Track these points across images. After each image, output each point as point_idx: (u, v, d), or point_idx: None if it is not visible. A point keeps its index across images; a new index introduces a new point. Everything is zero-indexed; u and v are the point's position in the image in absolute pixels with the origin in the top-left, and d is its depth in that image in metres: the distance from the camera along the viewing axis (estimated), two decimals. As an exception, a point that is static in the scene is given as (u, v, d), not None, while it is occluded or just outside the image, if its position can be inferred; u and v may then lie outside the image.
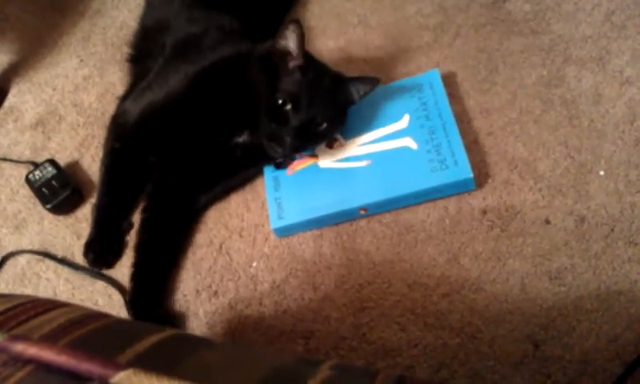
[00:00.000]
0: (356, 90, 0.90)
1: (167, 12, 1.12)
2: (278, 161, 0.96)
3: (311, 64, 0.88)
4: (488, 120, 0.95)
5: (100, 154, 1.07)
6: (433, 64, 1.05)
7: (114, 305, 0.93)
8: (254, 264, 0.92)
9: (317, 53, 0.94)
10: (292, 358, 0.48)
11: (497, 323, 0.77)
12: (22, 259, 1.01)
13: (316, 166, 0.95)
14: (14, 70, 1.32)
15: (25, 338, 0.38)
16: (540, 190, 0.86)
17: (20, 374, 0.36)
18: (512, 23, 1.06)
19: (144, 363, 0.36)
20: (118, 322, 0.50)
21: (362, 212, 0.90)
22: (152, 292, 0.92)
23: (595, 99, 0.92)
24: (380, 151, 0.92)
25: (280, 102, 0.84)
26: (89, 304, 0.94)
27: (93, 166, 1.09)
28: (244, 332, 0.86)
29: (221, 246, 0.95)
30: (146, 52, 1.13)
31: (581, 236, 0.81)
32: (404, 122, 0.94)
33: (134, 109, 0.99)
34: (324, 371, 0.42)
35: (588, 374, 0.71)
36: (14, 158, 1.15)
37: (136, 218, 1.00)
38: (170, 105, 0.94)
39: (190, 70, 0.95)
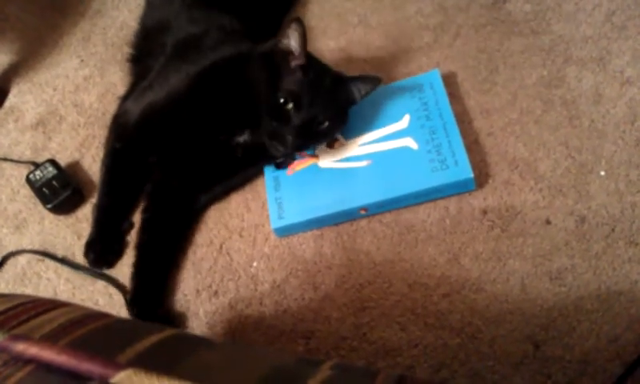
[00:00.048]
0: (357, 90, 0.90)
1: (168, 12, 1.13)
2: (278, 161, 0.96)
3: (312, 63, 0.88)
4: (488, 120, 0.95)
5: (101, 154, 1.07)
6: (433, 64, 1.05)
7: (114, 304, 0.93)
8: (255, 264, 0.92)
9: (317, 53, 0.94)
10: (292, 358, 0.48)
11: (497, 323, 0.77)
12: (22, 259, 1.01)
13: (316, 165, 0.95)
14: (15, 71, 1.32)
15: (25, 337, 0.38)
16: (540, 190, 0.86)
17: (20, 374, 0.36)
18: (512, 23, 1.06)
19: (144, 363, 0.36)
20: (119, 321, 0.50)
21: (363, 212, 0.90)
22: (153, 291, 0.92)
23: (596, 99, 0.92)
24: (380, 151, 0.92)
25: (282, 100, 0.84)
26: (89, 304, 0.94)
27: (93, 166, 1.10)
28: (244, 332, 0.86)
29: (221, 246, 0.95)
30: (146, 52, 1.13)
31: (581, 236, 0.81)
32: (404, 122, 0.94)
33: (135, 109, 0.99)
34: (324, 371, 0.42)
35: (588, 374, 0.71)
36: (15, 158, 1.15)
37: (137, 217, 1.00)
38: (170, 105, 0.94)
39: (190, 70, 0.95)
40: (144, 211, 0.98)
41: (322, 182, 0.93)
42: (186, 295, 0.92)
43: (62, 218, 1.04)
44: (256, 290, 0.89)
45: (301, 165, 0.96)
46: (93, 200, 1.04)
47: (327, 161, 0.95)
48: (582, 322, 0.75)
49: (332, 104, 0.88)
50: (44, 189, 1.03)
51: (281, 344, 0.83)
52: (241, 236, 0.95)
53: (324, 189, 0.92)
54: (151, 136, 0.97)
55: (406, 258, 0.86)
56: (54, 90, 1.25)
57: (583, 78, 0.95)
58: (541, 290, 0.78)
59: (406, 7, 1.16)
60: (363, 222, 0.91)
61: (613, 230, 0.80)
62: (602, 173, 0.85)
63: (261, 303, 0.88)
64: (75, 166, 1.11)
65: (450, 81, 1.00)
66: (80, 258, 0.98)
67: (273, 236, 0.94)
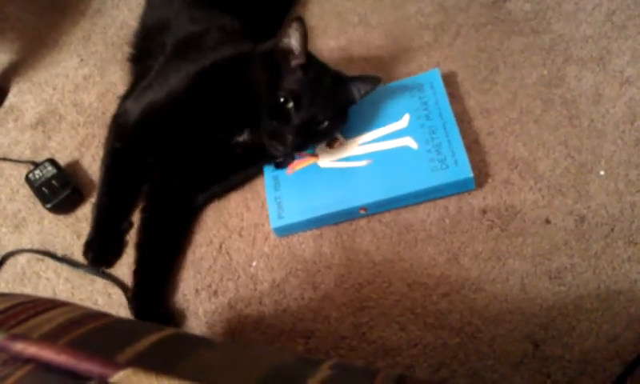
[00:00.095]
0: (357, 90, 0.90)
1: (168, 11, 1.12)
2: (278, 160, 0.96)
3: (313, 63, 0.88)
4: (488, 120, 0.95)
5: (100, 153, 1.07)
6: (433, 63, 1.05)
7: (113, 304, 0.93)
8: (254, 263, 0.92)
9: (317, 52, 0.94)
10: (292, 358, 0.48)
11: (496, 323, 0.77)
12: (21, 258, 1.01)
13: (316, 165, 0.95)
14: (14, 70, 1.32)
15: (24, 337, 0.38)
16: (540, 189, 0.86)
17: (19, 373, 0.36)
18: (512, 23, 1.06)
19: (143, 362, 0.36)
20: (118, 321, 0.50)
21: (362, 211, 0.90)
22: (153, 290, 0.92)
23: (595, 99, 0.92)
24: (380, 151, 0.92)
25: (282, 100, 0.84)
26: (88, 303, 0.94)
27: (93, 165, 1.10)
28: (244, 331, 0.86)
29: (220, 246, 0.95)
30: (146, 51, 1.13)
31: (581, 236, 0.81)
32: (404, 121, 0.94)
33: (135, 108, 0.99)
34: (324, 370, 0.42)
35: (588, 373, 0.71)
36: (14, 157, 1.15)
37: (136, 217, 1.00)
38: (171, 104, 0.94)
39: (191, 70, 0.95)
40: (142, 210, 0.98)
41: (322, 181, 0.93)
42: (185, 295, 0.92)
43: (61, 217, 1.04)
44: (255, 289, 0.89)
45: (300, 164, 0.96)
46: (92, 199, 1.04)
47: (327, 160, 0.95)
48: (582, 321, 0.75)
49: (332, 104, 0.88)
50: (43, 188, 1.03)
51: (280, 343, 0.83)
52: (240, 235, 0.95)
53: (324, 188, 0.92)
54: (151, 136, 0.97)
55: (406, 258, 0.86)
56: (54, 89, 1.25)
57: (583, 78, 0.95)
58: (540, 289, 0.78)
59: (406, 7, 1.16)
60: (363, 222, 0.91)
61: (612, 229, 0.80)
62: (602, 172, 0.85)
63: (260, 303, 0.88)
64: (75, 166, 1.10)
65: (450, 80, 1.00)
66: (79, 258, 0.98)
67: (272, 235, 0.94)
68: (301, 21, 0.82)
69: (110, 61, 1.26)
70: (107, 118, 1.10)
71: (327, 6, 1.23)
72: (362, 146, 0.94)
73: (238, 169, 0.98)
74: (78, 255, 0.98)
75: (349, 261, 0.88)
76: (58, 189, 1.02)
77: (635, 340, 0.72)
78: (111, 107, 1.13)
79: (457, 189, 0.88)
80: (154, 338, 0.43)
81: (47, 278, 0.98)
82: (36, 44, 1.34)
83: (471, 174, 0.85)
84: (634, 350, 0.71)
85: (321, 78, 0.87)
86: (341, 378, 0.42)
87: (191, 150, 0.94)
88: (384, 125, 0.95)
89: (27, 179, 1.05)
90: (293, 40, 0.84)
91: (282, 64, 0.86)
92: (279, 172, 0.96)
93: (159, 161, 0.97)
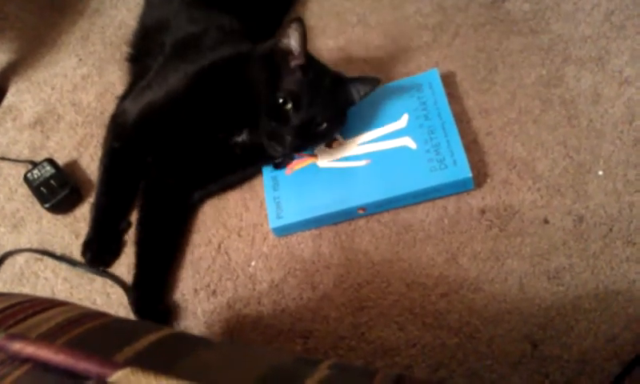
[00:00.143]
0: (356, 91, 0.90)
1: (167, 11, 1.12)
2: (276, 161, 0.96)
3: (312, 64, 0.88)
4: (487, 120, 0.95)
5: (99, 153, 1.07)
6: (432, 63, 1.05)
7: (112, 304, 0.93)
8: (253, 263, 0.92)
9: (316, 52, 0.94)
10: (290, 358, 0.48)
11: (495, 323, 0.77)
12: (20, 258, 1.01)
13: (315, 165, 0.95)
14: (13, 69, 1.31)
15: (22, 336, 0.38)
16: (539, 189, 0.86)
17: (17, 373, 0.36)
18: (511, 23, 1.06)
19: (142, 362, 0.36)
20: (116, 320, 0.50)
21: (361, 211, 0.90)
22: (153, 286, 0.92)
23: (594, 99, 0.92)
24: (379, 151, 0.92)
25: (281, 101, 0.84)
26: (87, 303, 0.94)
27: (91, 165, 1.09)
28: (242, 331, 0.86)
29: (219, 246, 0.95)
30: (145, 51, 1.13)
31: (579, 236, 0.81)
32: (403, 121, 0.94)
33: (134, 108, 0.99)
34: (322, 370, 0.42)
35: (586, 373, 0.71)
36: (13, 157, 1.15)
37: (135, 217, 1.00)
38: (169, 104, 0.94)
39: (189, 70, 0.95)
40: (139, 208, 0.98)
41: (321, 181, 0.93)
42: (184, 294, 0.92)
43: (59, 217, 1.04)
44: (254, 289, 0.89)
45: (299, 164, 0.96)
46: (91, 199, 1.04)
47: (326, 160, 0.95)
48: (580, 321, 0.75)
49: (331, 105, 0.88)
50: (42, 188, 1.03)
51: (279, 343, 0.83)
52: (239, 235, 0.95)
53: (322, 188, 0.92)
54: (150, 136, 0.97)
55: (405, 258, 0.86)
56: (52, 88, 1.24)
57: (582, 78, 0.95)
58: (539, 289, 0.78)
59: (405, 7, 1.16)
60: (361, 222, 0.91)
61: (611, 229, 0.80)
62: (600, 172, 0.85)
63: (259, 303, 0.88)
64: (73, 165, 1.10)
65: (448, 80, 1.00)
66: (78, 258, 0.98)
67: (271, 235, 0.94)
68: (300, 21, 0.82)
69: (108, 61, 1.26)
70: (106, 117, 1.09)
71: (326, 6, 1.23)
72: (361, 146, 0.94)
73: (236, 169, 0.98)
74: (77, 255, 0.98)
75: (347, 261, 0.88)
76: (57, 188, 1.02)
77: (633, 340, 0.72)
78: (110, 107, 1.13)
79: (455, 189, 0.88)
80: (152, 337, 0.43)
81: (46, 278, 0.98)
82: (35, 43, 1.34)
83: (470, 174, 0.85)
84: (633, 350, 0.71)
85: (320, 79, 0.87)
86: (339, 377, 0.42)
87: (190, 150, 0.94)
88: (383, 125, 0.95)
89: (26, 179, 1.05)
90: (292, 40, 0.84)
91: (281, 64, 0.86)
92: (278, 172, 0.96)
93: (158, 160, 0.97)
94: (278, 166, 0.96)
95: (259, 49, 0.92)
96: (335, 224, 0.92)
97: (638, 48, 0.95)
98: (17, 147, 1.17)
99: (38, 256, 1.00)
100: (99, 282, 0.95)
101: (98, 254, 0.96)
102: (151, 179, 0.99)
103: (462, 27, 1.09)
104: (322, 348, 0.81)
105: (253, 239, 0.94)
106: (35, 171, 1.05)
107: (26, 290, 0.97)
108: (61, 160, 1.09)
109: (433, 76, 0.97)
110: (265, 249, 0.93)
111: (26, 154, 1.15)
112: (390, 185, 0.88)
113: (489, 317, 0.78)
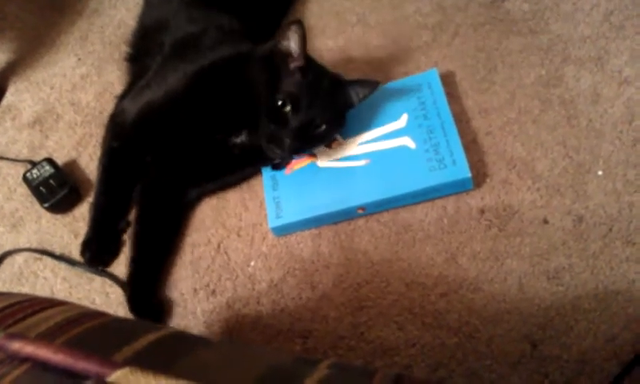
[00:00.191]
0: (355, 93, 0.90)
1: (166, 11, 1.12)
2: (275, 162, 0.96)
3: (311, 66, 0.88)
4: (486, 119, 0.95)
5: (98, 152, 1.07)
6: (431, 63, 1.05)
7: (111, 303, 0.93)
8: (252, 263, 0.92)
9: (316, 52, 0.94)
10: (289, 357, 0.48)
11: (494, 323, 0.77)
12: (19, 258, 1.01)
13: (314, 165, 0.95)
14: (12, 69, 1.31)
15: (21, 336, 0.38)
16: (538, 189, 0.86)
17: (16, 373, 0.36)
18: (511, 23, 1.06)
19: (141, 362, 0.36)
20: (116, 320, 0.50)
21: (361, 211, 0.90)
22: (146, 282, 0.93)
23: (594, 99, 0.92)
24: (378, 150, 0.92)
25: (280, 103, 0.84)
26: (86, 303, 0.94)
27: (90, 164, 1.09)
28: (241, 331, 0.86)
29: (219, 245, 0.95)
30: (144, 51, 1.13)
31: (579, 236, 0.81)
32: (402, 121, 0.94)
33: (133, 108, 0.99)
34: (322, 370, 0.42)
35: (585, 373, 0.71)
36: (12, 156, 1.15)
37: (133, 216, 1.00)
38: (168, 104, 0.94)
39: (188, 70, 0.95)
40: (137, 205, 0.99)
41: (320, 181, 0.93)
42: (183, 294, 0.92)
43: (58, 216, 1.04)
44: (253, 289, 0.89)
45: (299, 164, 0.96)
46: (89, 199, 1.04)
47: (325, 160, 0.95)
48: (580, 321, 0.75)
49: (330, 107, 0.87)
50: (41, 187, 1.03)
51: (278, 343, 0.83)
52: (238, 235, 0.95)
53: (322, 188, 0.92)
54: (148, 135, 0.97)
55: (404, 258, 0.86)
56: (52, 88, 1.24)
57: (581, 78, 0.95)
58: (538, 289, 0.78)
59: (404, 6, 1.16)
60: (361, 222, 0.91)
61: (610, 229, 0.80)
62: (600, 172, 0.85)
63: (258, 302, 0.88)
64: (72, 165, 1.10)
65: (448, 80, 1.00)
66: (77, 257, 0.98)
67: (270, 235, 0.94)
68: (300, 23, 0.82)
69: (107, 60, 1.26)
70: (104, 117, 1.09)
71: (326, 6, 1.23)
72: (361, 146, 0.94)
73: (235, 169, 0.98)
74: (76, 255, 0.98)
75: (347, 260, 0.88)
76: (56, 188, 1.02)
77: (633, 340, 0.72)
78: (108, 107, 1.13)
79: (455, 189, 0.88)
80: (151, 337, 0.43)
81: (45, 278, 0.98)
82: (34, 43, 1.34)
83: (469, 174, 0.85)
84: (632, 350, 0.71)
85: (319, 81, 0.87)
86: (339, 377, 0.42)
87: (188, 150, 0.94)
88: (382, 124, 0.95)
89: (25, 178, 1.05)
90: (292, 42, 0.84)
91: (280, 66, 0.86)
92: (277, 171, 0.96)
93: (156, 159, 0.97)
94: (277, 167, 0.96)
95: (259, 50, 0.92)
96: (335, 224, 0.92)
97: (637, 48, 0.95)
98: (16, 147, 1.16)
99: (37, 255, 1.00)
100: (98, 281, 0.95)
101: (97, 253, 0.96)
102: (149, 178, 0.99)
103: (461, 27, 1.09)
104: (322, 348, 0.81)
105: (252, 239, 0.94)
106: (34, 171, 1.05)
107: (25, 289, 0.97)
108: (60, 159, 1.09)
109: (432, 76, 0.97)
110: (264, 248, 0.93)
111: (25, 153, 1.15)
112: (389, 184, 0.88)
113: (488, 317, 0.78)
